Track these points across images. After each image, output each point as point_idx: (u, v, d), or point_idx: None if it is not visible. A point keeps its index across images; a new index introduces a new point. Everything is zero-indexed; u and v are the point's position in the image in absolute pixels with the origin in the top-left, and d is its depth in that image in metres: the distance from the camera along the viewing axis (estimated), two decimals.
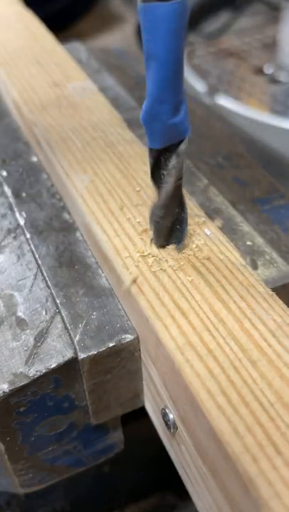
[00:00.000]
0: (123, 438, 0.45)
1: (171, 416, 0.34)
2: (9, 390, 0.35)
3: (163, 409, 0.36)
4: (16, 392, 0.35)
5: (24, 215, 0.48)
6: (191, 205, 0.43)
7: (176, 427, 0.34)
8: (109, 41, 1.77)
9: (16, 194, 0.50)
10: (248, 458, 0.26)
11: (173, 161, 0.34)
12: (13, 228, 0.47)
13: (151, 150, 0.34)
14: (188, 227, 0.40)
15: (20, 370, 0.36)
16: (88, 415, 0.40)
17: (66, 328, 0.38)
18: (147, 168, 0.35)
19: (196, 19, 1.46)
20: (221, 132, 0.60)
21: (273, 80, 1.21)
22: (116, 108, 0.57)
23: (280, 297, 0.35)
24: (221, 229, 0.40)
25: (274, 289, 0.36)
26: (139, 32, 0.29)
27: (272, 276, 0.40)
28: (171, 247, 0.38)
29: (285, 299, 0.35)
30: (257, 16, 1.61)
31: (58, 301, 0.39)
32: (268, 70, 1.24)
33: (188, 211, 0.41)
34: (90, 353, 0.36)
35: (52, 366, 0.36)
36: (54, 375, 0.36)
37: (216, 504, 0.31)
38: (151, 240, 0.39)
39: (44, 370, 0.36)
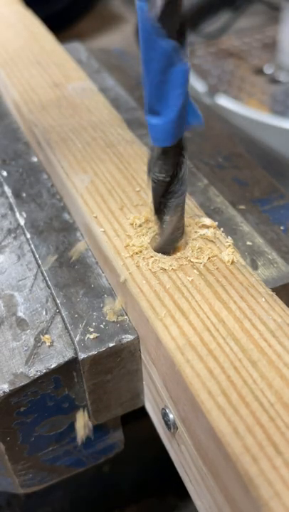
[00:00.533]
0: (123, 438, 0.45)
1: (171, 416, 0.34)
2: (9, 390, 0.35)
3: (163, 409, 0.36)
4: (16, 392, 0.35)
5: (24, 215, 0.48)
6: (191, 205, 0.43)
7: (176, 427, 0.34)
8: (109, 41, 1.77)
9: (16, 194, 0.50)
10: (248, 458, 0.26)
11: None
12: (13, 228, 0.47)
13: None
14: (188, 227, 0.40)
15: (21, 370, 0.36)
16: (88, 415, 0.40)
17: (66, 328, 0.38)
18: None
19: (196, 19, 1.46)
20: (221, 132, 0.60)
21: (273, 80, 1.21)
22: (116, 108, 0.57)
23: (280, 297, 0.35)
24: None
25: (274, 289, 0.36)
26: (139, 32, 0.29)
27: (272, 277, 0.40)
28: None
29: (285, 299, 0.36)
30: (257, 16, 1.61)
31: (58, 301, 0.39)
32: (268, 70, 1.24)
33: (188, 211, 0.41)
34: (90, 353, 0.36)
35: (52, 366, 0.36)
36: (54, 375, 0.36)
37: (216, 504, 0.31)
38: (151, 240, 0.39)
39: (44, 370, 0.36)
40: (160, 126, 0.31)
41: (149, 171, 0.35)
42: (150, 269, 0.37)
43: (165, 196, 0.35)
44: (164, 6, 0.28)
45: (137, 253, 0.38)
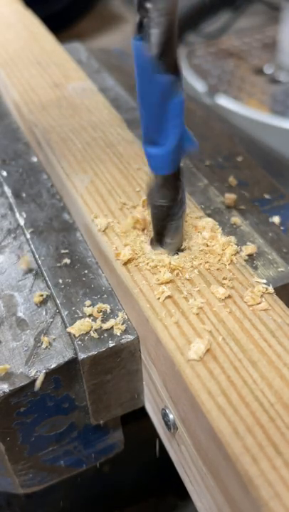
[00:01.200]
0: (123, 438, 0.45)
1: (171, 416, 0.35)
2: (9, 390, 0.35)
3: (163, 409, 0.36)
4: (16, 393, 0.35)
5: (24, 215, 0.48)
6: (191, 206, 0.43)
7: (176, 427, 0.34)
8: (109, 41, 1.77)
9: (16, 194, 0.50)
10: (248, 458, 0.26)
11: None
12: (13, 228, 0.47)
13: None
14: (188, 228, 0.40)
15: (21, 370, 0.36)
16: (88, 415, 0.40)
17: (66, 328, 0.38)
18: (147, 169, 0.35)
19: (196, 19, 1.46)
20: (221, 132, 0.60)
21: (273, 80, 1.21)
22: (116, 108, 0.57)
23: (280, 297, 0.35)
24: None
25: (274, 289, 0.36)
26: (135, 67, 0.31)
27: (272, 277, 0.40)
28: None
29: (285, 299, 0.35)
30: (257, 16, 1.61)
31: (58, 302, 0.39)
32: (268, 70, 1.24)
33: (188, 211, 0.41)
34: (90, 354, 0.36)
35: (52, 366, 0.36)
36: (54, 376, 0.36)
37: (216, 504, 0.31)
38: (151, 240, 0.39)
39: (44, 371, 0.36)
40: (160, 157, 0.33)
41: (151, 198, 0.36)
42: (150, 270, 0.37)
43: (166, 219, 0.36)
44: (161, 46, 0.29)
45: (137, 253, 0.38)
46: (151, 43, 0.28)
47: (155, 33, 0.28)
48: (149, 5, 0.27)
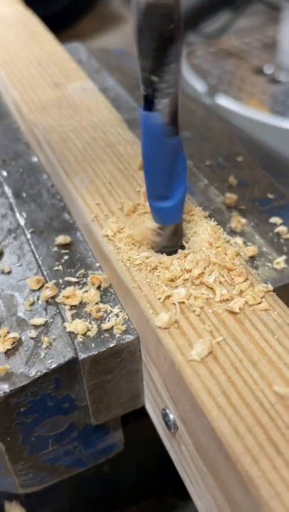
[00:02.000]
0: (123, 438, 0.45)
1: (171, 416, 0.35)
2: (10, 390, 0.35)
3: (163, 409, 0.36)
4: (17, 393, 0.35)
5: (24, 215, 0.48)
6: (192, 205, 0.43)
7: (176, 427, 0.34)
8: (109, 41, 1.77)
9: (17, 194, 0.50)
10: (249, 458, 0.26)
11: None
12: (13, 228, 0.47)
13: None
14: (189, 228, 0.40)
15: (21, 370, 0.36)
16: (88, 415, 0.40)
17: (66, 328, 0.38)
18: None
19: (196, 19, 1.46)
20: (221, 133, 0.60)
21: (273, 80, 1.21)
22: (116, 108, 0.57)
23: (280, 297, 0.35)
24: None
25: (274, 289, 0.36)
26: (142, 137, 0.33)
27: (272, 277, 0.40)
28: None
29: (285, 299, 0.36)
30: (257, 16, 1.61)
31: (58, 301, 0.39)
32: (268, 70, 1.24)
33: (189, 211, 0.41)
34: (90, 353, 0.36)
35: (52, 366, 0.36)
36: (54, 376, 0.36)
37: (216, 504, 0.31)
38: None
39: (44, 371, 0.36)
40: (172, 208, 0.36)
41: (156, 246, 0.38)
42: (150, 270, 0.37)
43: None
44: (171, 114, 0.31)
45: (137, 254, 0.38)
46: (163, 112, 0.31)
47: (165, 103, 0.30)
48: (155, 78, 0.29)
